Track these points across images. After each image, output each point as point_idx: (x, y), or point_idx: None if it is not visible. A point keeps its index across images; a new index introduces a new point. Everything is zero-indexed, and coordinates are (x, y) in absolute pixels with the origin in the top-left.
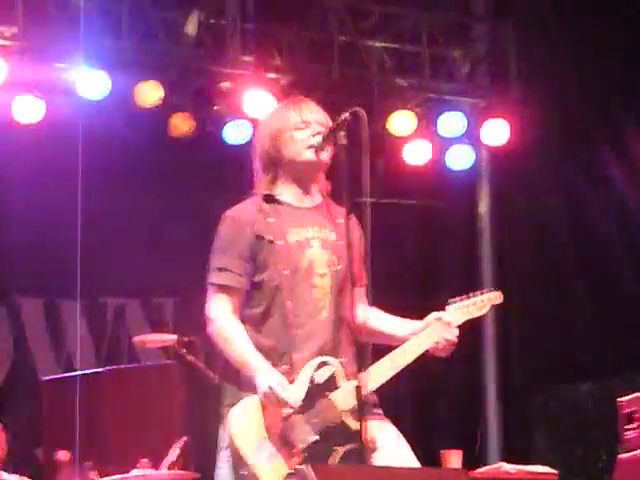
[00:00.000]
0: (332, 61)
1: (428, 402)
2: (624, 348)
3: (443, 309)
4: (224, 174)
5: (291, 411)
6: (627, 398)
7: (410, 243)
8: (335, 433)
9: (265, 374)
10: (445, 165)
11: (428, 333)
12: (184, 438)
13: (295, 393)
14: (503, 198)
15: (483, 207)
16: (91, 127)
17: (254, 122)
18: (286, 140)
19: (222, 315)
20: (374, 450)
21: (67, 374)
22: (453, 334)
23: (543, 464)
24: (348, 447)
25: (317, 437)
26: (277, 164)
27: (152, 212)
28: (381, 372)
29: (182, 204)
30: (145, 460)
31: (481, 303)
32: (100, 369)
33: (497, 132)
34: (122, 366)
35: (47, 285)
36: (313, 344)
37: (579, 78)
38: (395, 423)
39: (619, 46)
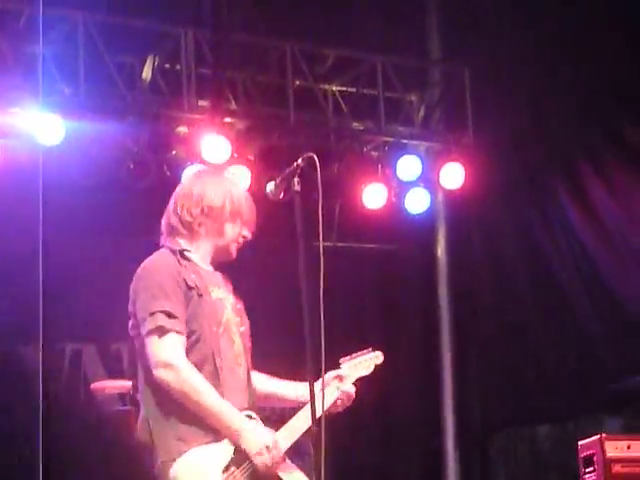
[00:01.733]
0: (288, 105)
1: (387, 449)
2: (583, 390)
3: (338, 366)
4: None
5: (229, 459)
6: (586, 441)
7: (368, 286)
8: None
9: (256, 431)
10: (402, 208)
11: (328, 391)
12: None
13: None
14: (460, 241)
15: (440, 250)
16: (48, 173)
17: (212, 166)
18: (218, 226)
19: (183, 361)
20: None
21: None
22: (352, 389)
23: None
24: None
25: None
26: (198, 233)
27: (111, 257)
28: (290, 432)
29: (141, 248)
30: None
31: (366, 363)
32: None
33: (453, 176)
34: None
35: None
36: (238, 399)
37: (534, 122)
38: (355, 465)
39: (574, 92)
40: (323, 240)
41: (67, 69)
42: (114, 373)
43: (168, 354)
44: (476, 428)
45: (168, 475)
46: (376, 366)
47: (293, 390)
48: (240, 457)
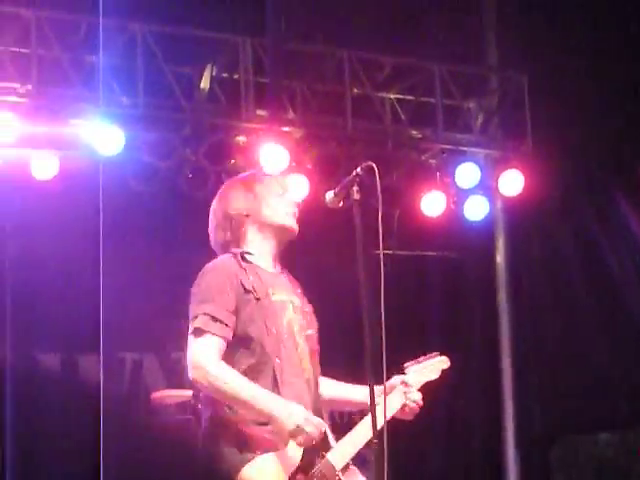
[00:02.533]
0: (345, 114)
1: (448, 452)
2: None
3: (403, 371)
4: None
5: (295, 467)
6: None
7: (428, 294)
8: None
9: (285, 411)
10: (462, 216)
11: (395, 396)
12: None
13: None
14: (519, 248)
15: (500, 257)
16: (107, 182)
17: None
18: (266, 201)
19: (214, 361)
20: None
21: None
22: (419, 396)
23: None
24: None
25: None
26: (248, 223)
27: (170, 265)
28: (353, 440)
29: (199, 257)
30: None
31: (432, 367)
32: None
33: (512, 183)
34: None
35: (64, 340)
36: (300, 402)
37: (592, 130)
38: (417, 476)
39: (632, 97)
40: (383, 248)
41: (125, 80)
42: (174, 383)
43: (199, 356)
44: (537, 434)
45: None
46: (442, 371)
47: (360, 393)
48: (306, 463)
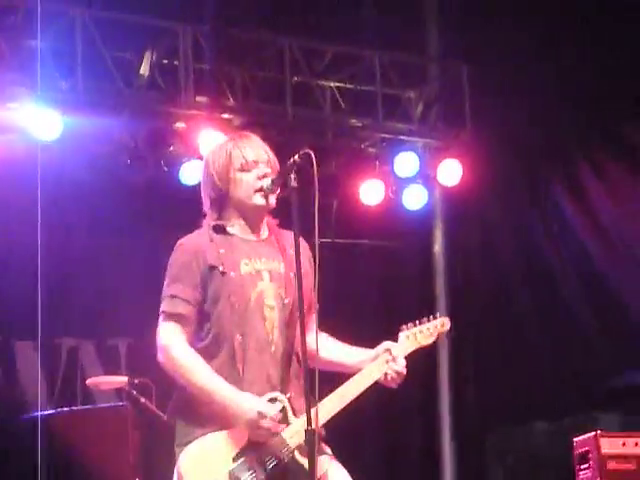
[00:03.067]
0: (286, 101)
1: (385, 441)
2: (578, 387)
3: (396, 336)
4: (180, 214)
5: (245, 442)
6: (581, 438)
7: (365, 282)
8: (286, 470)
9: (240, 406)
10: (400, 205)
11: (378, 364)
12: None
13: (291, 442)
14: (457, 237)
15: (437, 246)
16: (45, 167)
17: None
18: (234, 180)
19: (177, 343)
20: None
21: (24, 416)
22: (401, 366)
23: None
24: None
25: (265, 475)
26: (225, 201)
27: (106, 253)
28: (331, 406)
29: (137, 244)
30: None
31: (428, 332)
32: (54, 411)
33: (451, 172)
34: (75, 408)
35: (1, 325)
36: (262, 378)
37: (532, 119)
38: (353, 462)
39: (573, 90)
40: (321, 237)
41: (65, 64)
42: (110, 369)
43: (164, 337)
44: (472, 424)
45: (178, 459)
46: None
47: (351, 358)
48: (254, 443)
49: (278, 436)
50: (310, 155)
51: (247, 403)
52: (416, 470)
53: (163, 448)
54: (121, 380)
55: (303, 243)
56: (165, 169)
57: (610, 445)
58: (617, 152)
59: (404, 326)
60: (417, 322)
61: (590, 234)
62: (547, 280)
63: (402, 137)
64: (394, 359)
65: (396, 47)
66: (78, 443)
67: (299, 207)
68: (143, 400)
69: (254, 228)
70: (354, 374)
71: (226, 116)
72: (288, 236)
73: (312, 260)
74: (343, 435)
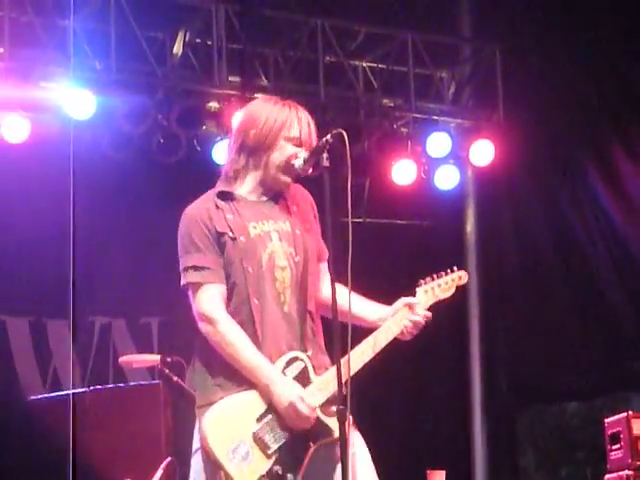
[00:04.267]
0: (318, 81)
1: (415, 421)
2: (610, 368)
3: (414, 293)
4: None
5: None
6: (612, 418)
7: (397, 262)
8: (309, 430)
9: (284, 387)
10: (432, 185)
11: (396, 320)
12: (168, 459)
13: (313, 402)
14: (489, 218)
15: (469, 226)
16: (79, 146)
17: None
18: (279, 144)
19: (223, 317)
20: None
21: (55, 394)
22: (420, 316)
23: None
24: (322, 441)
25: (288, 436)
26: (256, 157)
27: (140, 231)
28: (353, 361)
29: (170, 223)
30: None
31: (446, 285)
32: (86, 389)
33: (483, 153)
34: (108, 386)
35: (34, 304)
36: (280, 339)
37: (564, 100)
38: (382, 440)
39: (607, 73)
40: (353, 216)
41: (98, 44)
42: (143, 347)
43: (207, 307)
44: (504, 404)
45: (201, 422)
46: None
47: (371, 314)
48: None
49: (302, 416)
50: (343, 135)
51: (290, 389)
52: (448, 451)
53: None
54: (154, 358)
55: (304, 196)
56: (198, 148)
57: None
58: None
59: (422, 281)
60: (434, 276)
61: (622, 214)
62: (579, 260)
63: (434, 117)
64: (412, 309)
65: (429, 27)
66: (110, 422)
67: (331, 186)
68: (176, 379)
69: (265, 192)
70: (372, 329)
71: (259, 95)
72: (294, 192)
73: (315, 209)
74: (372, 417)
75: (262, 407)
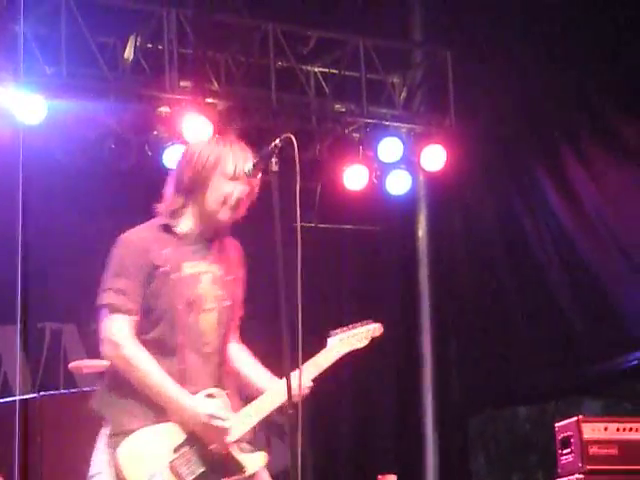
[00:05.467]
0: (270, 86)
1: (366, 425)
2: (562, 372)
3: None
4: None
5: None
6: (563, 423)
7: (348, 267)
8: (223, 464)
9: (196, 403)
10: (383, 190)
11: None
12: None
13: (232, 420)
14: (441, 223)
15: (421, 231)
16: (29, 152)
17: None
18: (213, 182)
19: (129, 341)
20: None
21: (4, 399)
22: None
23: None
24: (234, 477)
25: (204, 469)
26: (192, 196)
27: (90, 237)
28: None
29: (122, 228)
30: None
31: (361, 334)
32: (36, 394)
33: (434, 158)
34: (58, 392)
35: None
36: (200, 376)
37: (516, 105)
38: (333, 444)
39: (558, 76)
40: (304, 221)
41: (49, 48)
42: (94, 353)
43: (115, 331)
44: (456, 409)
45: (116, 451)
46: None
47: (261, 380)
48: (194, 436)
49: (219, 429)
50: (291, 139)
51: (199, 406)
52: (399, 456)
53: None
54: (104, 364)
55: (238, 249)
56: (149, 153)
57: (592, 430)
58: (601, 139)
59: (333, 331)
60: (350, 326)
61: (573, 220)
62: (530, 265)
63: (386, 122)
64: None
65: (380, 32)
66: (59, 426)
67: (281, 191)
68: None
69: (205, 233)
70: (253, 394)
71: (210, 100)
72: (232, 241)
73: (245, 266)
74: (322, 422)
75: (180, 438)
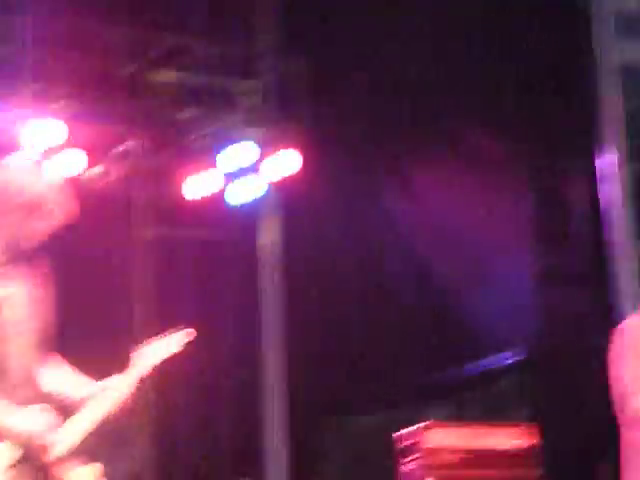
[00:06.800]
0: (115, 92)
1: (212, 437)
2: (409, 380)
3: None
4: None
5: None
6: (404, 431)
7: (191, 275)
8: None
9: (18, 422)
10: (229, 198)
11: (101, 400)
12: None
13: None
14: (289, 229)
15: (266, 239)
16: None
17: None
18: (13, 208)
19: None
20: None
21: None
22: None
23: None
24: None
25: None
26: None
27: None
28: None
29: None
30: None
31: (173, 342)
32: None
33: (281, 165)
34: None
35: None
36: (23, 397)
37: (368, 114)
38: (175, 460)
39: (408, 86)
40: (147, 229)
41: None
42: None
43: None
44: (302, 418)
45: None
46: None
47: (77, 391)
48: (30, 453)
49: (42, 446)
50: (137, 147)
51: (19, 425)
52: (244, 467)
53: None
54: None
55: (47, 274)
56: None
57: (434, 438)
58: (439, 144)
59: (147, 341)
60: (160, 336)
61: (419, 227)
62: (377, 273)
63: (233, 129)
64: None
65: (230, 38)
66: None
67: (123, 200)
68: None
69: (12, 257)
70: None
71: (55, 106)
72: (33, 263)
73: (48, 287)
74: (162, 435)
75: (17, 454)
